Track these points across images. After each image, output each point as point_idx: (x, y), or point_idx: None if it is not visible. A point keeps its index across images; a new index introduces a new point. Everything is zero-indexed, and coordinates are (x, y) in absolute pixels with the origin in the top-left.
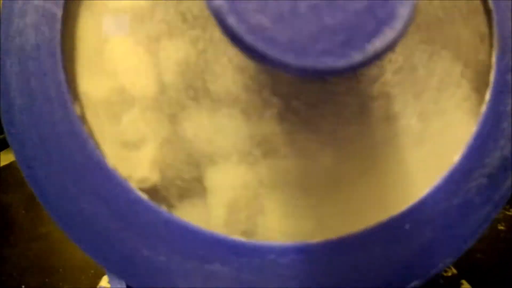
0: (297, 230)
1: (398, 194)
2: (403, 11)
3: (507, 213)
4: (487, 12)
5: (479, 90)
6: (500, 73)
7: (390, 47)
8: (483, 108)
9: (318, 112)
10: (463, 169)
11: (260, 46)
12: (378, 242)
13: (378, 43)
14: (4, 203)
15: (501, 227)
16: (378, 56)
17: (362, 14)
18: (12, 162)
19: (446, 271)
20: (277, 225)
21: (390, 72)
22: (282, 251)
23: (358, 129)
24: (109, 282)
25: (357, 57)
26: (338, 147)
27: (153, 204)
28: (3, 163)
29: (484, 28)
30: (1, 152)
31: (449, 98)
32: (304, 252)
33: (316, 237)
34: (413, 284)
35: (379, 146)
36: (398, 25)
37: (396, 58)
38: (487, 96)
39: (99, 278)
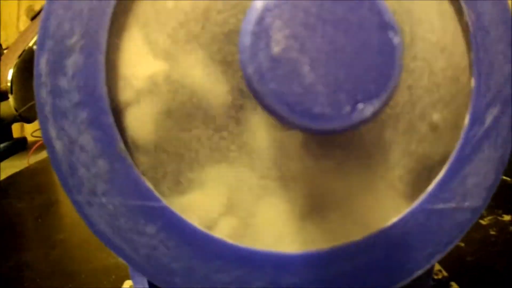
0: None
1: (384, 211)
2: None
3: (500, 218)
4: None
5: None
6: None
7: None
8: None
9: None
10: (441, 185)
11: (286, 113)
12: (365, 251)
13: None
14: (18, 210)
15: (492, 232)
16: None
17: (364, 74)
18: (23, 169)
19: (437, 274)
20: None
21: None
22: (288, 259)
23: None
24: (132, 286)
25: (361, 114)
26: (326, 176)
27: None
28: (14, 170)
29: None
30: (13, 158)
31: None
32: (307, 259)
33: (314, 247)
34: (398, 285)
35: (365, 171)
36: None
37: None
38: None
39: (120, 283)
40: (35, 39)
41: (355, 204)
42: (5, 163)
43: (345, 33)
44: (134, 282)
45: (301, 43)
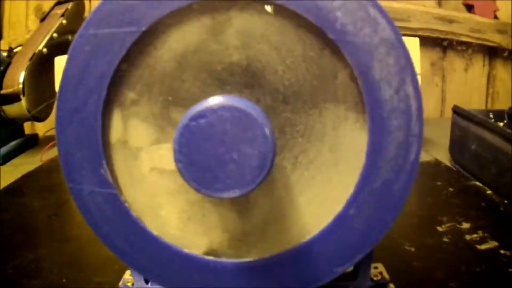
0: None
1: (303, 229)
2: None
3: (458, 226)
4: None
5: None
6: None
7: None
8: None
9: None
10: (349, 206)
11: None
12: (289, 260)
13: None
14: (34, 209)
15: (446, 239)
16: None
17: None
18: (36, 168)
19: (376, 276)
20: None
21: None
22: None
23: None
24: (131, 275)
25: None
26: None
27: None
28: (27, 166)
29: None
30: (26, 155)
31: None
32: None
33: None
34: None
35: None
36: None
37: None
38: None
39: (122, 272)
40: (44, 41)
41: (276, 227)
42: (18, 160)
43: (236, 140)
44: (132, 272)
45: (205, 147)
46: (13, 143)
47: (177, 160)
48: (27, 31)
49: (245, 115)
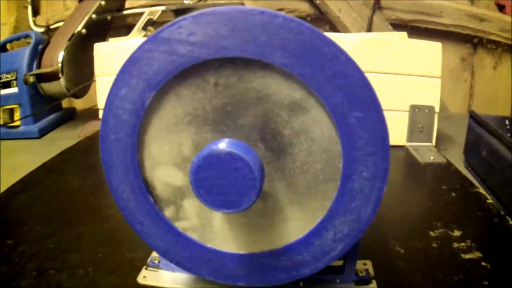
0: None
1: (283, 237)
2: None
3: (450, 233)
4: None
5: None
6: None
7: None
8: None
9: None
10: (323, 224)
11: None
12: (275, 257)
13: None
14: (74, 188)
15: (434, 245)
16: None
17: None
18: (74, 145)
19: (361, 272)
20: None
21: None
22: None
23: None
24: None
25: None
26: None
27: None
28: (65, 140)
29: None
30: (63, 129)
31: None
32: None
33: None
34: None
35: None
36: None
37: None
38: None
39: (151, 250)
40: (83, 22)
41: (270, 230)
42: (56, 133)
43: (232, 176)
44: None
45: (211, 178)
46: (51, 116)
47: (195, 190)
48: (65, 8)
49: (240, 159)
